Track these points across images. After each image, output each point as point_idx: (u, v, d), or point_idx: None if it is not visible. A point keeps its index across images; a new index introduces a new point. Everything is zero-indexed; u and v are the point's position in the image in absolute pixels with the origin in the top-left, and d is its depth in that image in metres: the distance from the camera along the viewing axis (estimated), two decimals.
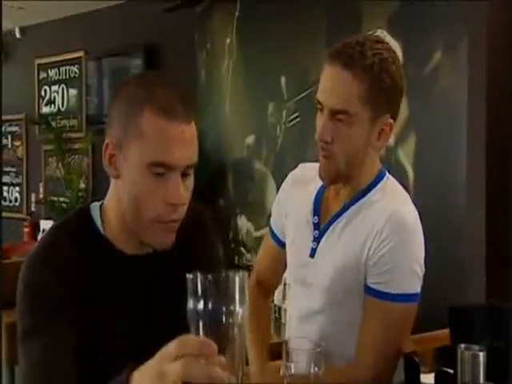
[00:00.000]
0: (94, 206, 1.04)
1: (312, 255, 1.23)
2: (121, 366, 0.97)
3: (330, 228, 1.22)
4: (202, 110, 4.05)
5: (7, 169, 5.69)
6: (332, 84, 1.15)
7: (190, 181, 0.98)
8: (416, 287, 1.16)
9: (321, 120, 1.16)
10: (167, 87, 0.96)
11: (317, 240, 1.23)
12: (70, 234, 1.00)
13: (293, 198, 1.31)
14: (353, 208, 1.20)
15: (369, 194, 1.20)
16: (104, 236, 1.01)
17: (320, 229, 1.23)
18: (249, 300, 1.31)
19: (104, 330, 0.98)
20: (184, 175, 0.95)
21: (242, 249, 3.75)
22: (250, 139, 3.63)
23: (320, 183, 1.27)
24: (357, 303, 1.17)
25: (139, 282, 1.02)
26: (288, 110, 3.25)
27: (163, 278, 1.04)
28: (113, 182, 1.01)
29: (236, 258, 3.81)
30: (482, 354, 0.92)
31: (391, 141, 2.71)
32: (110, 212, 1.02)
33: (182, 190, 0.93)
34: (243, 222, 3.73)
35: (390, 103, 1.17)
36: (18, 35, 5.35)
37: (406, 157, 2.66)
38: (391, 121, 1.18)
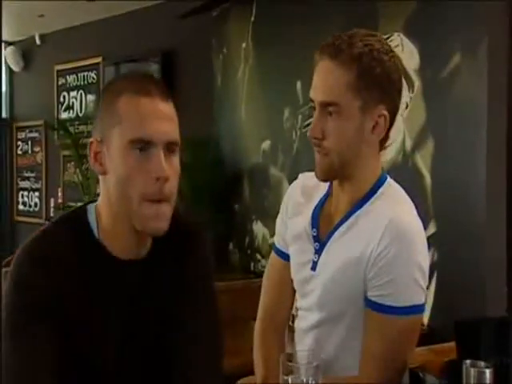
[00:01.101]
0: (91, 207, 1.03)
1: (314, 268, 1.19)
2: (108, 370, 0.97)
3: (331, 239, 1.17)
4: (218, 115, 4.04)
5: (27, 174, 5.76)
6: (321, 77, 1.13)
7: (176, 161, 0.97)
8: (419, 298, 1.10)
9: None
10: (143, 76, 1.00)
11: (318, 253, 1.18)
12: (63, 234, 0.99)
13: (293, 210, 1.27)
14: (352, 218, 1.16)
15: (368, 202, 1.16)
16: (97, 238, 1.00)
17: (320, 241, 1.19)
18: (257, 340, 1.28)
19: (91, 334, 0.96)
20: (168, 152, 0.95)
21: (258, 255, 3.71)
22: (266, 144, 3.60)
23: (321, 194, 1.23)
24: (358, 316, 1.13)
25: (129, 287, 1.00)
26: (303, 114, 3.21)
27: (154, 284, 1.02)
28: (101, 181, 1.00)
29: (252, 264, 3.77)
30: (488, 371, 0.87)
31: (408, 145, 2.66)
32: (103, 212, 1.00)
33: (165, 165, 0.93)
34: (259, 228, 3.69)
35: (383, 94, 1.12)
36: (38, 42, 5.42)
37: (423, 162, 2.59)
38: (385, 112, 1.13)
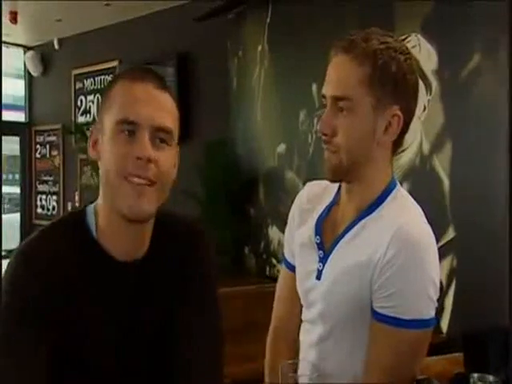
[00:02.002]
0: (90, 207, 1.01)
1: (318, 277, 1.14)
2: (106, 372, 0.96)
3: (336, 247, 1.13)
4: (234, 119, 4.02)
5: (45, 178, 5.80)
6: (334, 72, 1.09)
7: (169, 151, 0.96)
8: (428, 312, 1.04)
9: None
10: (141, 67, 1.03)
11: (322, 261, 1.14)
12: (60, 235, 0.98)
13: (300, 219, 1.22)
14: (358, 225, 1.11)
15: (376, 210, 1.11)
16: (95, 238, 0.98)
17: (325, 249, 1.15)
18: (267, 351, 1.24)
19: (89, 335, 0.95)
20: (158, 140, 0.94)
21: (273, 259, 3.67)
22: (281, 148, 3.56)
23: (327, 201, 1.19)
24: (365, 327, 1.08)
25: (127, 287, 0.98)
26: (319, 117, 3.17)
27: (153, 285, 1.00)
28: (100, 168, 0.99)
29: (267, 268, 3.73)
30: None
31: (426, 148, 2.60)
32: (100, 209, 0.99)
33: (151, 148, 0.92)
34: (274, 232, 3.65)
35: (397, 94, 1.07)
36: (56, 46, 5.46)
37: (441, 165, 2.53)
38: (399, 113, 1.08)
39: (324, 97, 1.10)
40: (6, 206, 10.96)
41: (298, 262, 1.21)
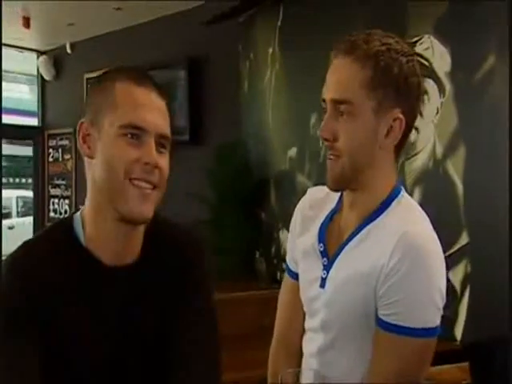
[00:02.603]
0: (77, 214, 1.01)
1: (322, 285, 1.12)
2: (96, 380, 0.95)
3: (340, 255, 1.10)
4: (245, 122, 4.00)
5: (58, 182, 5.83)
6: (333, 75, 1.07)
7: (167, 157, 0.98)
8: (433, 320, 1.01)
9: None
10: (137, 69, 1.01)
11: (326, 269, 1.11)
12: (47, 243, 0.98)
13: (302, 226, 1.20)
14: (362, 232, 1.09)
15: (380, 216, 1.08)
16: (83, 245, 0.98)
17: (329, 257, 1.12)
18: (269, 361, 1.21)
19: (79, 343, 0.94)
20: (159, 146, 0.96)
21: (284, 264, 3.64)
22: (293, 151, 3.54)
23: (330, 207, 1.17)
24: (369, 336, 1.05)
25: (116, 293, 0.97)
26: None
27: (143, 291, 1.00)
28: (87, 167, 0.98)
29: (278, 273, 3.70)
30: None
31: (439, 152, 2.55)
32: (87, 213, 0.99)
33: (156, 154, 0.94)
34: (285, 237, 3.62)
35: (399, 97, 1.05)
36: (68, 51, 5.50)
37: (454, 168, 2.49)
38: (401, 116, 1.06)
39: (324, 101, 1.07)
40: (20, 210, 11.08)
41: (301, 269, 1.18)
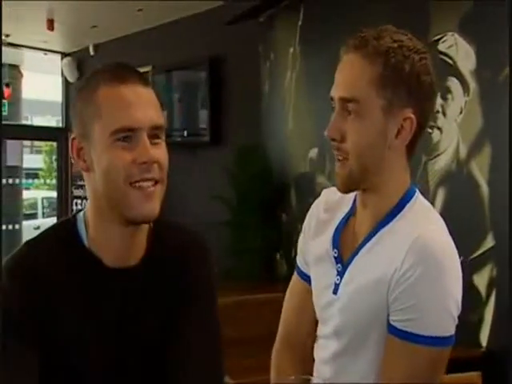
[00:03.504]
0: (79, 215, 0.99)
1: (335, 292, 1.09)
2: (95, 382, 0.94)
3: (353, 260, 1.07)
4: (265, 123, 3.98)
5: (81, 182, 5.88)
6: (342, 72, 1.03)
7: (163, 146, 0.95)
8: (446, 329, 0.97)
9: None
10: (117, 64, 0.97)
11: (340, 274, 1.08)
12: (49, 244, 0.97)
13: (316, 229, 1.17)
14: (375, 237, 1.05)
15: (393, 220, 1.04)
16: (86, 245, 0.96)
17: (343, 262, 1.09)
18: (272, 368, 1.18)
19: (80, 345, 0.93)
20: (153, 138, 0.93)
21: None
22: (313, 152, 3.50)
23: (345, 210, 1.13)
24: (382, 342, 1.02)
25: (119, 295, 0.96)
26: None
27: (146, 293, 0.98)
28: (86, 180, 0.97)
29: None
30: None
31: (463, 152, 2.49)
32: (90, 216, 0.97)
33: (151, 149, 0.92)
34: None
35: (410, 95, 1.01)
36: (91, 52, 5.55)
37: (479, 169, 2.42)
38: (411, 115, 1.02)
39: (332, 99, 1.04)
40: (45, 211, 11.25)
41: (313, 275, 1.15)
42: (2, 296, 0.91)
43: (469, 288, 2.35)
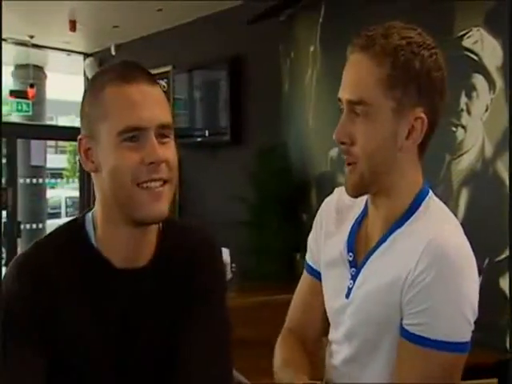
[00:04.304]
0: (88, 216, 0.99)
1: (348, 295, 1.05)
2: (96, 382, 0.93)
3: (366, 264, 1.04)
4: (286, 122, 3.94)
5: None
6: (349, 73, 1.00)
7: (172, 144, 0.94)
8: (461, 334, 0.93)
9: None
10: (124, 63, 0.96)
11: (353, 278, 1.05)
12: (57, 244, 0.96)
13: (328, 230, 1.13)
14: (389, 240, 1.02)
15: (407, 222, 1.01)
16: (94, 247, 0.96)
17: (357, 266, 1.06)
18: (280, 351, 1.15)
19: (87, 346, 0.92)
20: (161, 137, 0.92)
21: None
22: (334, 152, 3.45)
23: (358, 211, 1.10)
24: (394, 348, 0.98)
25: (127, 296, 0.95)
26: None
27: (155, 294, 0.97)
28: (95, 180, 0.95)
29: None
30: None
31: (488, 151, 2.42)
32: (98, 216, 0.96)
33: (159, 148, 0.91)
34: None
35: (421, 94, 0.97)
36: (113, 52, 5.59)
37: (505, 169, 2.35)
38: (422, 115, 0.98)
39: (340, 101, 1.01)
40: (68, 210, 11.39)
41: (325, 278, 1.12)
42: (8, 295, 0.90)
43: (494, 291, 2.28)
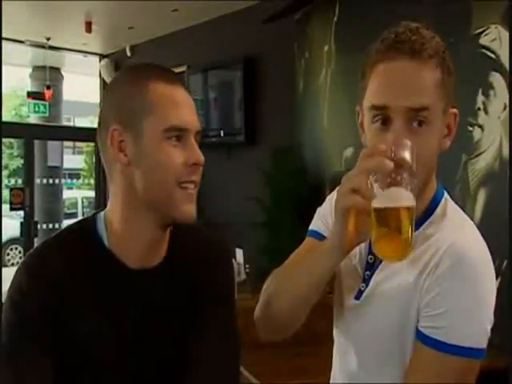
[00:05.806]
0: (100, 215, 0.98)
1: (358, 297, 1.03)
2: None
3: (379, 268, 1.01)
4: (300, 122, 3.93)
5: None
6: (403, 80, 0.93)
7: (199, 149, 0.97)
8: (477, 340, 0.90)
9: (386, 133, 0.92)
10: (160, 66, 0.98)
11: (366, 282, 1.02)
12: (67, 244, 0.95)
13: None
14: None
15: (423, 225, 0.97)
16: (106, 247, 0.95)
17: (372, 268, 1.03)
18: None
19: (94, 348, 0.91)
20: (195, 141, 0.95)
21: None
22: (349, 152, 3.43)
23: None
24: (403, 356, 0.96)
25: (139, 296, 0.95)
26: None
27: (167, 294, 0.97)
28: (119, 174, 0.93)
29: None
30: None
31: (506, 151, 2.38)
32: (114, 216, 0.95)
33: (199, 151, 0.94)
34: None
35: (453, 91, 0.96)
36: (128, 53, 5.61)
37: None
38: (455, 111, 0.97)
39: (384, 108, 0.93)
40: (84, 210, 11.48)
41: (339, 271, 1.09)
42: (17, 295, 0.90)
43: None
